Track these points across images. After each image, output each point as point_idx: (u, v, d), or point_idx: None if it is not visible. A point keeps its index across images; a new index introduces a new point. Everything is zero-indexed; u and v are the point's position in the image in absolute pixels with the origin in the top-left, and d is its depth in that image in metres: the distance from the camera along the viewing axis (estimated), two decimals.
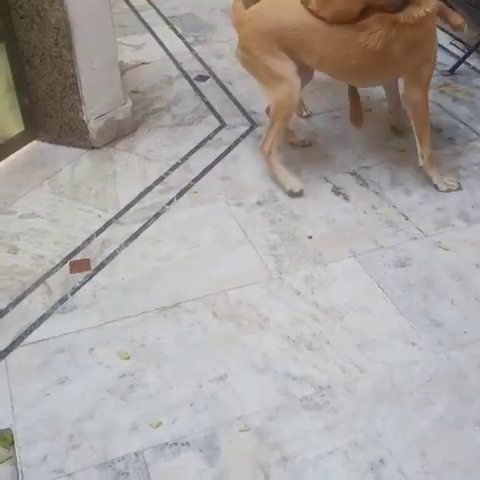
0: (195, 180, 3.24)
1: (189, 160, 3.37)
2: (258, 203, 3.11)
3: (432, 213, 3.05)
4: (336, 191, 3.15)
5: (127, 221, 3.01)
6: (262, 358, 2.41)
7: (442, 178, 3.16)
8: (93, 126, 3.39)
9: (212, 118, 3.63)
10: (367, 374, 2.34)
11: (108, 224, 2.99)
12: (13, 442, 2.16)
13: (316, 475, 2.05)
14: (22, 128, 3.45)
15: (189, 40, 4.41)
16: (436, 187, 3.15)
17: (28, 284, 2.70)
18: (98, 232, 2.95)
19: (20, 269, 2.76)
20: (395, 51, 2.86)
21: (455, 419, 2.20)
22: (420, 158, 3.16)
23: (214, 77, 4.03)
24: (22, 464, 2.09)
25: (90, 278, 2.73)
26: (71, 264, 2.79)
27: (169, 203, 3.12)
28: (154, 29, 4.53)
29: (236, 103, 3.79)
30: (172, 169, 3.31)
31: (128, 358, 2.41)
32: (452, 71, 4.05)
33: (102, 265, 2.79)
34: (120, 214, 3.05)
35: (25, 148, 3.45)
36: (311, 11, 2.84)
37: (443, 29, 4.36)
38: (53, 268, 2.77)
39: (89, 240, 2.91)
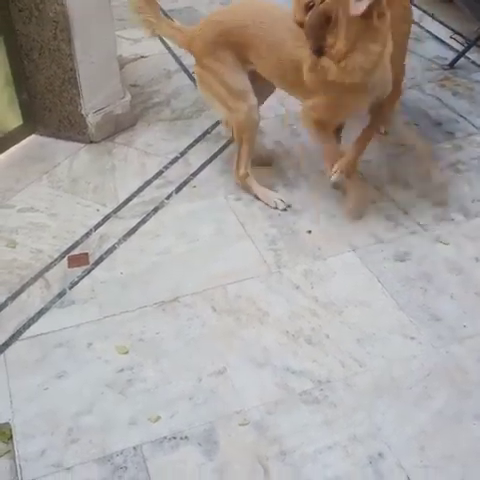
0: (194, 174, 3.23)
1: (188, 154, 3.36)
2: (257, 197, 3.10)
3: (431, 207, 3.04)
4: (335, 186, 3.14)
5: (126, 215, 3.00)
6: (261, 352, 2.40)
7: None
8: (92, 120, 3.37)
9: (211, 112, 3.61)
10: (366, 368, 2.34)
11: (107, 218, 2.99)
12: (12, 436, 2.15)
13: (315, 469, 2.05)
14: (21, 122, 3.43)
15: None
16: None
17: (27, 278, 2.69)
18: (97, 226, 2.94)
19: (19, 263, 2.76)
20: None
21: (454, 413, 2.20)
22: None
23: None
24: (20, 458, 2.09)
25: (89, 272, 2.73)
26: (70, 258, 2.79)
27: (168, 197, 3.11)
28: None
29: None
30: (171, 163, 3.31)
31: (127, 352, 2.40)
32: (452, 65, 4.05)
33: (101, 259, 2.79)
34: (119, 208, 3.04)
35: (24, 142, 3.44)
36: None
37: (443, 23, 4.36)
38: (52, 262, 2.77)
39: (88, 234, 2.90)
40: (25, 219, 2.97)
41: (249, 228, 2.93)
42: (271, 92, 3.10)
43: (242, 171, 3.06)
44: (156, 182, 3.20)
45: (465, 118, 3.61)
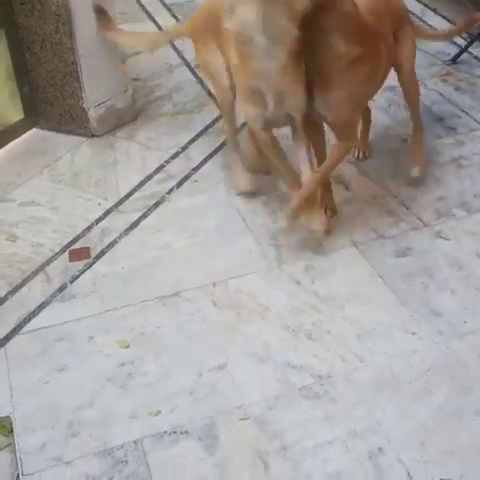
0: (195, 169, 3.23)
1: (189, 149, 3.36)
2: (259, 192, 3.10)
3: (433, 203, 3.03)
4: (337, 180, 3.13)
5: (127, 210, 3.00)
6: (262, 347, 2.40)
7: None
8: (93, 114, 3.37)
9: (213, 106, 3.60)
10: (367, 364, 2.34)
11: (108, 212, 2.99)
12: (12, 430, 2.16)
13: (315, 464, 2.05)
14: (22, 116, 3.44)
15: None
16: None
17: (27, 272, 2.69)
18: (98, 220, 2.94)
19: (19, 257, 2.76)
20: None
21: (455, 409, 2.20)
22: None
23: None
24: (21, 451, 2.09)
25: (90, 266, 2.73)
26: (71, 252, 2.79)
27: (169, 192, 3.11)
28: (155, 16, 4.50)
29: None
30: (172, 158, 3.30)
31: (128, 346, 2.41)
32: (454, 60, 4.03)
33: (102, 253, 2.79)
34: (120, 202, 3.04)
35: (25, 136, 3.44)
36: None
37: (445, 17, 4.35)
38: (52, 256, 2.77)
39: (89, 228, 2.90)
40: (26, 213, 2.97)
41: (250, 223, 2.93)
42: None
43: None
44: (157, 176, 3.20)
45: (467, 113, 3.60)
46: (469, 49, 4.05)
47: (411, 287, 2.63)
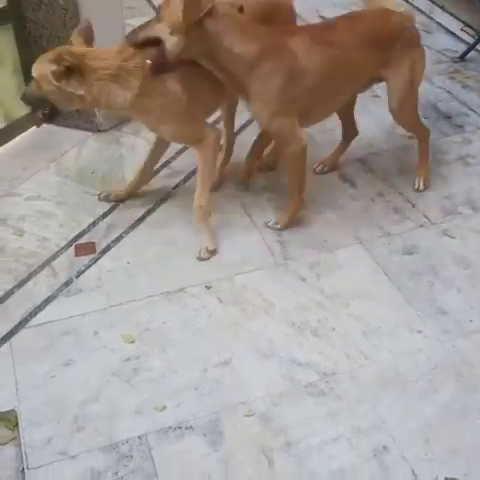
0: None
1: None
2: (264, 188, 3.09)
3: (439, 201, 3.03)
4: (343, 178, 3.13)
5: (133, 205, 3.00)
6: (267, 344, 2.41)
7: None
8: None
9: None
10: (372, 361, 2.34)
11: (114, 208, 2.99)
12: (17, 423, 2.16)
13: (320, 461, 2.06)
14: (28, 110, 3.42)
15: None
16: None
17: (33, 266, 2.70)
18: (104, 215, 2.94)
19: (25, 251, 2.76)
20: None
21: (460, 407, 2.20)
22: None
23: None
24: (26, 445, 2.10)
25: (95, 261, 2.73)
26: (76, 247, 2.79)
27: (175, 187, 3.11)
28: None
29: None
30: (178, 153, 3.30)
31: (133, 342, 2.41)
32: (462, 58, 4.03)
33: (108, 248, 2.79)
34: (126, 198, 3.03)
35: (31, 130, 3.43)
36: None
37: (453, 15, 4.33)
38: (58, 251, 2.77)
39: (95, 223, 2.91)
40: (32, 207, 2.97)
41: (256, 219, 2.93)
42: None
43: None
44: (164, 172, 3.20)
45: (475, 111, 3.59)
46: (477, 47, 4.03)
47: (417, 285, 2.63)
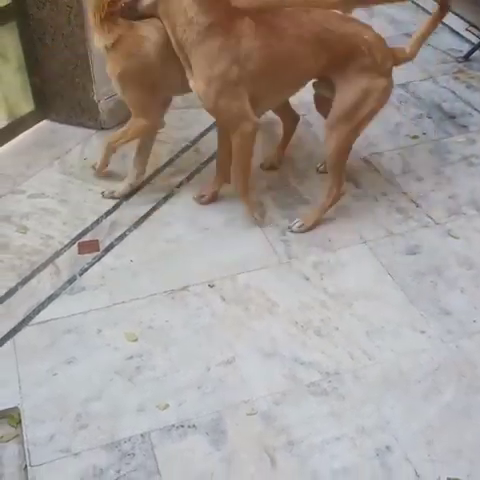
0: (205, 163, 3.22)
1: (199, 143, 3.35)
2: (268, 187, 3.09)
3: (443, 201, 3.02)
4: (347, 177, 3.11)
5: (137, 203, 3.00)
6: (270, 343, 2.40)
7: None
8: (104, 106, 3.36)
9: None
10: (375, 361, 2.34)
11: (118, 205, 2.98)
12: (20, 421, 2.17)
13: (322, 460, 2.06)
14: (32, 107, 3.43)
15: None
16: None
17: (37, 264, 2.69)
18: (107, 213, 2.94)
19: (29, 249, 2.76)
20: None
21: (463, 408, 2.20)
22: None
23: None
24: (29, 443, 2.10)
25: (99, 259, 2.73)
26: (80, 245, 2.79)
27: (179, 185, 3.11)
28: None
29: None
30: (182, 151, 3.30)
31: (136, 340, 2.41)
32: (467, 57, 4.01)
33: (111, 246, 2.79)
34: (130, 196, 3.03)
35: (35, 127, 3.44)
36: None
37: (458, 14, 4.32)
38: (62, 248, 2.77)
39: (98, 221, 2.90)
40: (36, 205, 2.97)
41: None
42: None
43: None
44: (167, 170, 3.19)
45: (479, 111, 3.58)
46: None
47: (420, 285, 2.62)
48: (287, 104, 3.07)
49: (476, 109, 3.60)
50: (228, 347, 2.39)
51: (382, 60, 2.63)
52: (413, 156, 3.27)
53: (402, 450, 2.08)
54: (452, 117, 3.54)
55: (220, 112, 2.65)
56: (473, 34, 4.15)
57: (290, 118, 3.18)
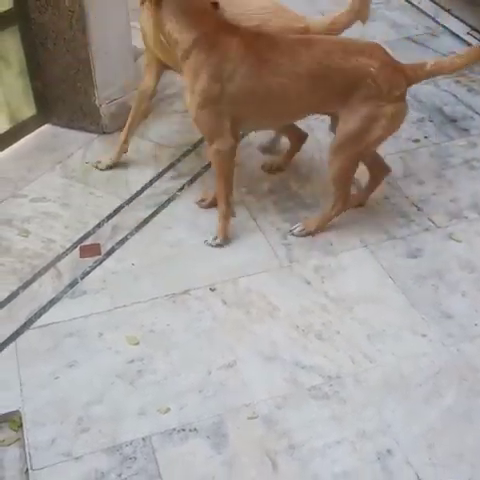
0: (206, 167, 3.23)
1: (201, 147, 3.35)
2: (270, 191, 3.09)
3: (445, 204, 3.02)
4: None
5: (138, 207, 3.01)
6: (271, 347, 2.40)
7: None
8: (105, 111, 3.37)
9: None
10: (376, 365, 2.34)
11: (119, 209, 2.99)
12: (21, 424, 2.17)
13: (323, 464, 2.05)
14: (34, 112, 3.44)
15: None
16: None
17: (38, 267, 2.70)
18: (109, 217, 2.95)
19: (30, 252, 2.77)
20: None
21: (464, 411, 2.19)
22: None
23: None
24: (30, 446, 2.10)
25: (100, 263, 2.73)
26: (81, 249, 2.79)
27: (180, 190, 3.11)
28: None
29: None
30: (184, 155, 3.30)
31: (137, 344, 2.41)
32: None
33: (112, 250, 2.79)
34: (131, 199, 3.04)
35: (37, 132, 3.45)
36: None
37: (459, 18, 4.32)
38: (63, 252, 2.77)
39: (100, 225, 2.91)
40: (38, 209, 2.98)
41: (261, 222, 2.93)
42: None
43: None
44: (169, 174, 3.20)
45: None
46: None
47: (422, 289, 2.62)
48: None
49: (477, 113, 3.60)
50: (229, 351, 2.39)
51: (390, 89, 2.53)
52: (414, 160, 3.28)
53: (403, 454, 2.08)
54: (453, 121, 3.55)
55: (199, 125, 2.68)
56: (474, 38, 4.15)
57: (295, 136, 3.13)
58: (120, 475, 2.03)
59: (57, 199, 3.04)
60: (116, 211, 2.98)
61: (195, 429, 2.15)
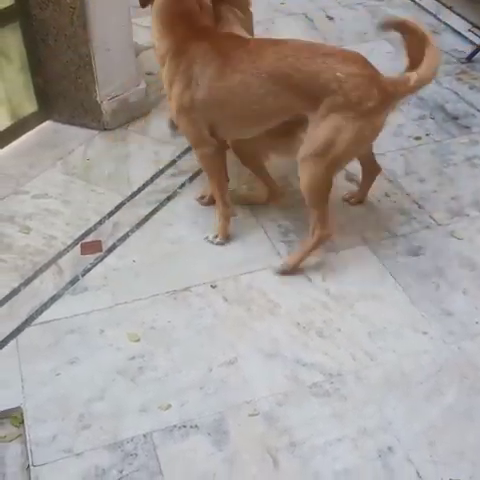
0: None
1: None
2: None
3: (446, 202, 3.02)
4: (349, 178, 3.12)
5: (139, 203, 3.01)
6: (272, 344, 2.41)
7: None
8: (106, 107, 3.37)
9: None
10: (377, 362, 2.34)
11: (120, 206, 2.99)
12: (23, 421, 2.17)
13: (324, 461, 2.06)
14: (35, 108, 3.44)
15: None
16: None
17: (40, 264, 2.70)
18: (110, 214, 2.95)
19: (32, 249, 2.77)
20: None
21: (465, 409, 2.20)
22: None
23: None
24: (31, 443, 2.11)
25: (101, 260, 2.73)
26: (83, 245, 2.79)
27: (181, 186, 3.11)
28: None
29: None
30: (185, 152, 3.30)
31: (138, 340, 2.41)
32: (469, 58, 4.01)
33: (114, 247, 2.79)
34: (132, 196, 3.04)
35: (38, 128, 3.45)
36: None
37: (461, 15, 4.32)
38: (65, 249, 2.77)
39: (101, 222, 2.91)
40: (39, 205, 2.98)
41: (262, 219, 2.93)
42: None
43: None
44: (169, 171, 3.20)
45: None
46: None
47: (423, 286, 2.62)
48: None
49: (479, 110, 3.59)
50: (230, 348, 2.39)
51: (359, 99, 2.34)
52: (416, 157, 3.27)
53: (404, 451, 2.08)
54: (455, 118, 3.54)
55: (181, 130, 2.70)
56: (476, 35, 4.15)
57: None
58: (121, 471, 2.03)
59: (58, 196, 3.04)
60: (117, 208, 2.98)
61: (196, 426, 2.15)
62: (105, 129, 3.42)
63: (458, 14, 4.36)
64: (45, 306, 2.53)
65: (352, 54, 2.45)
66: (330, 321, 2.49)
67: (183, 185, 3.12)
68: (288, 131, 2.57)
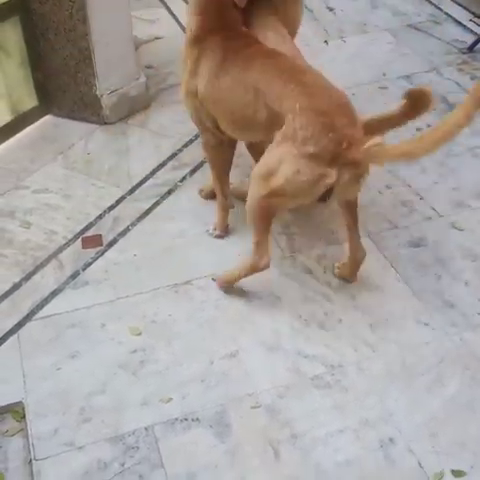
0: None
1: None
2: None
3: (447, 193, 3.01)
4: None
5: (140, 197, 3.00)
6: (273, 336, 2.40)
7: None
8: (106, 101, 3.36)
9: None
10: (379, 353, 2.34)
11: (121, 200, 2.98)
12: (24, 415, 2.18)
13: (326, 453, 2.06)
14: (36, 102, 3.43)
15: None
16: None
17: (40, 259, 2.70)
18: (110, 208, 2.94)
19: (32, 244, 2.77)
20: None
21: (467, 400, 2.19)
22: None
23: None
24: (33, 437, 2.11)
25: (102, 254, 2.73)
26: (83, 240, 2.79)
27: (182, 180, 3.10)
28: (168, 3, 4.47)
29: None
30: (185, 146, 3.29)
31: (139, 334, 2.41)
32: (471, 49, 3.98)
33: (114, 241, 2.79)
34: (133, 190, 3.04)
35: (38, 123, 3.44)
36: None
37: (462, 5, 4.29)
38: (65, 243, 2.78)
39: (101, 216, 2.91)
40: (39, 200, 2.98)
41: None
42: None
43: None
44: (170, 164, 3.19)
45: None
46: None
47: (424, 278, 2.62)
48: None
49: None
50: (232, 340, 2.39)
51: (304, 139, 2.13)
52: None
53: (405, 442, 2.08)
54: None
55: (189, 113, 2.68)
56: (477, 25, 4.12)
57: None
58: (123, 464, 2.04)
59: (59, 190, 3.03)
60: (118, 202, 2.98)
61: (198, 419, 2.16)
62: (105, 123, 3.41)
63: (459, 4, 4.33)
64: (46, 301, 2.53)
65: (334, 92, 2.26)
66: (332, 313, 2.49)
67: (184, 178, 3.11)
68: None
